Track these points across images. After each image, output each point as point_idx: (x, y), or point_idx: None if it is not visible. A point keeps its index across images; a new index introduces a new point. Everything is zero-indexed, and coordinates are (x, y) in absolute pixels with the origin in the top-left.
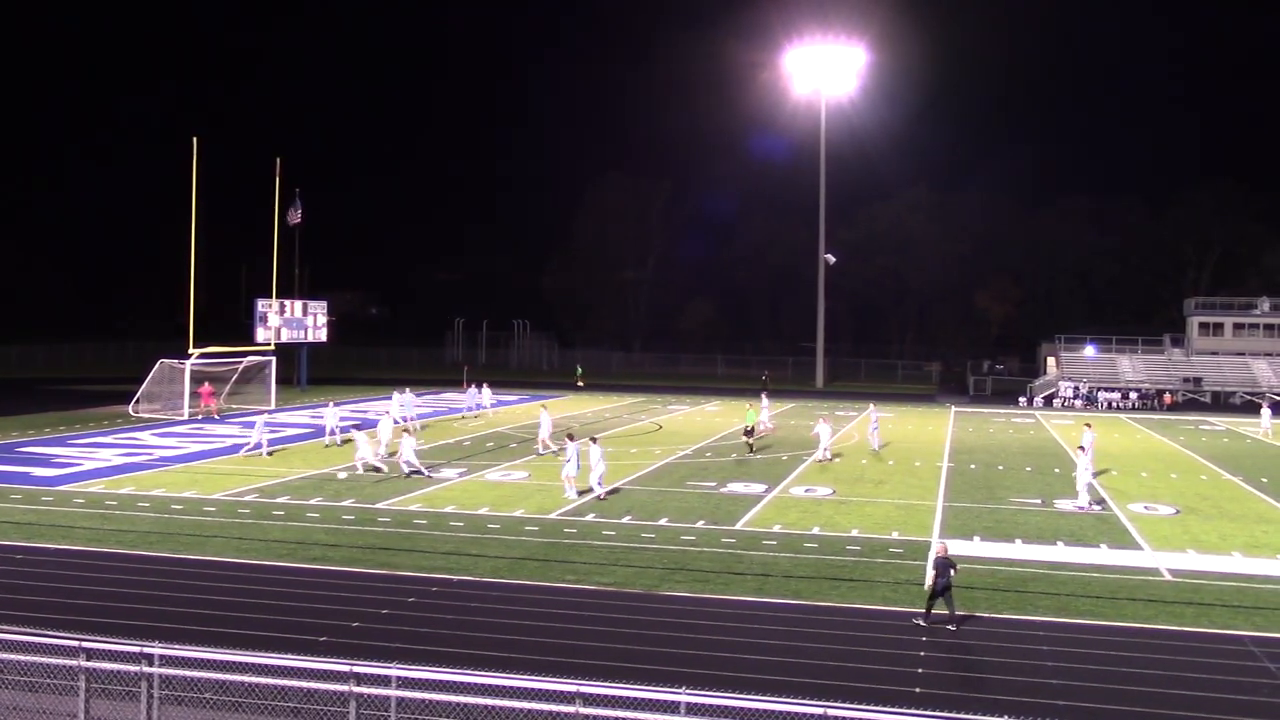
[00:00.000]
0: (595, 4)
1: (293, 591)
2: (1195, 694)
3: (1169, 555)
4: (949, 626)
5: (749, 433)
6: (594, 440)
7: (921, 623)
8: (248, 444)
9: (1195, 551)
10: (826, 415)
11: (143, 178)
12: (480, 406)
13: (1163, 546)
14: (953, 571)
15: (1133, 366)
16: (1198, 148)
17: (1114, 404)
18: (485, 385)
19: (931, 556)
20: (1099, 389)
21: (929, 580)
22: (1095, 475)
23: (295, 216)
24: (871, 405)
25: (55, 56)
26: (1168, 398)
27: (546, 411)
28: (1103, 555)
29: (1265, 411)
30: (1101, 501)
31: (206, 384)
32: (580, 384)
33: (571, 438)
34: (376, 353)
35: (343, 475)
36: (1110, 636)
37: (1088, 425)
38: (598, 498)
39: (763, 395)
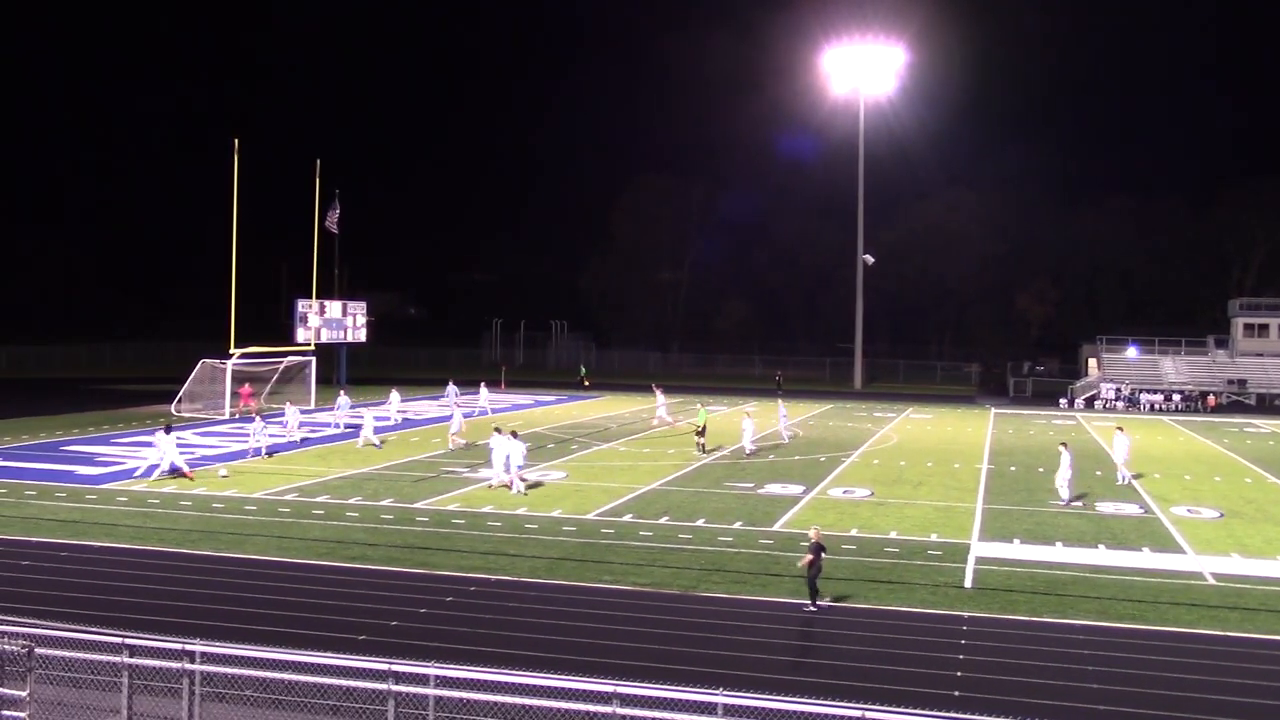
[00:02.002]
0: (634, 4)
1: (332, 590)
2: (1238, 700)
3: (1212, 559)
4: (809, 606)
5: (700, 432)
6: (498, 431)
7: (813, 608)
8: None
9: (1239, 555)
10: (752, 410)
11: (185, 178)
12: (473, 412)
13: (1206, 550)
14: (823, 555)
15: (1175, 368)
16: (1241, 145)
17: (1156, 406)
18: (484, 385)
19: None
20: (1141, 390)
21: (803, 562)
22: (1136, 477)
23: (333, 221)
24: (780, 402)
25: (99, 58)
26: (1211, 399)
27: (459, 408)
28: (1145, 559)
29: None
30: (1081, 497)
31: (247, 384)
32: (585, 383)
33: (499, 431)
34: (415, 353)
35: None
36: (1152, 641)
37: (1119, 428)
38: (506, 486)
39: (657, 390)
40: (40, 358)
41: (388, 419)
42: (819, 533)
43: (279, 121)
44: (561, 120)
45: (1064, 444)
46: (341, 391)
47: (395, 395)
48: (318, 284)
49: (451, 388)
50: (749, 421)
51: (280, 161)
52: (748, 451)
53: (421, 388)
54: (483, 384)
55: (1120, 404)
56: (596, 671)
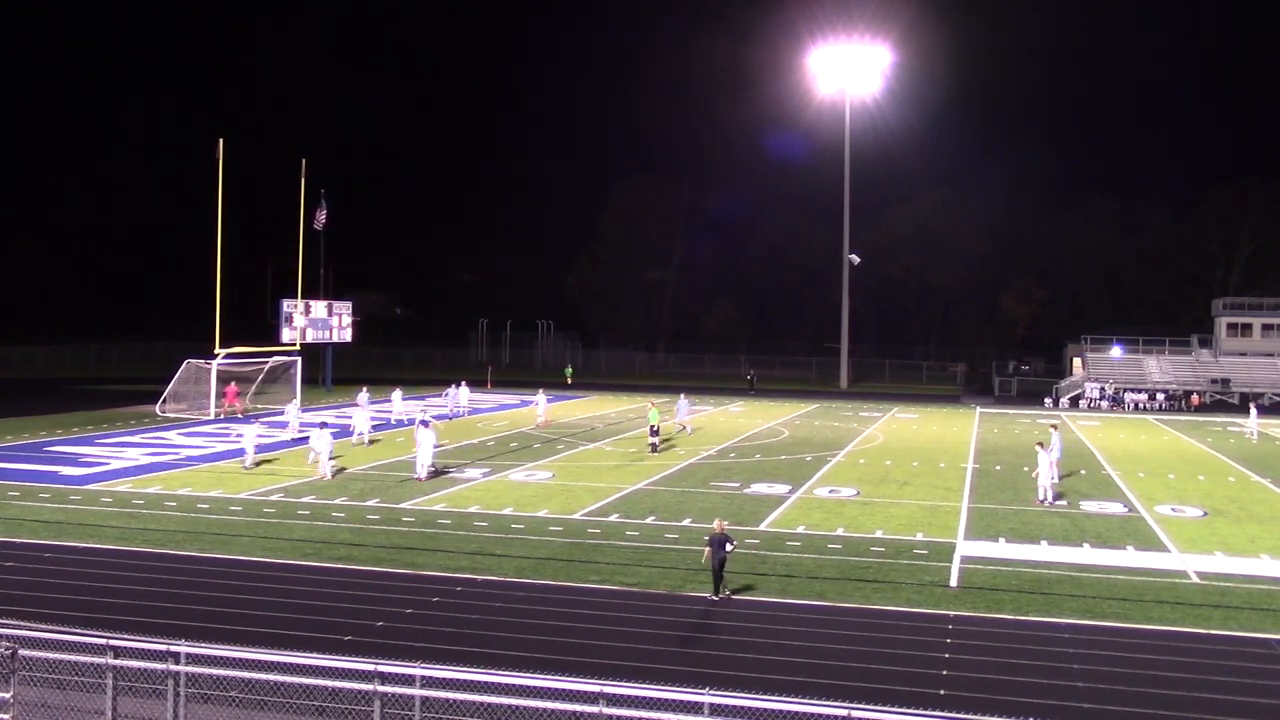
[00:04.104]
0: (621, 4)
1: (318, 590)
2: (1222, 698)
3: (1196, 558)
4: (720, 595)
5: (654, 432)
6: (425, 424)
7: (718, 595)
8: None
9: (1223, 554)
10: (655, 403)
11: (170, 178)
12: (457, 412)
13: (1190, 549)
14: (729, 547)
15: (1160, 367)
16: (1225, 146)
17: (1141, 405)
18: (463, 384)
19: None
20: (1125, 390)
21: (705, 556)
22: (1064, 476)
23: (321, 219)
24: (682, 395)
25: (83, 58)
26: (1195, 399)
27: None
28: (1129, 557)
29: (1253, 411)
30: (1061, 496)
31: (233, 384)
32: (569, 382)
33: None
34: (401, 353)
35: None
36: (1137, 639)
37: (1054, 426)
38: (417, 478)
39: (540, 392)
40: (24, 358)
41: (386, 418)
42: (723, 525)
43: (265, 121)
44: (549, 120)
45: (1040, 444)
46: (364, 389)
47: (397, 394)
48: (303, 284)
49: (453, 390)
50: (653, 411)
51: (267, 161)
52: (684, 428)
53: (409, 388)
54: (462, 383)
55: (1105, 403)
56: (583, 671)
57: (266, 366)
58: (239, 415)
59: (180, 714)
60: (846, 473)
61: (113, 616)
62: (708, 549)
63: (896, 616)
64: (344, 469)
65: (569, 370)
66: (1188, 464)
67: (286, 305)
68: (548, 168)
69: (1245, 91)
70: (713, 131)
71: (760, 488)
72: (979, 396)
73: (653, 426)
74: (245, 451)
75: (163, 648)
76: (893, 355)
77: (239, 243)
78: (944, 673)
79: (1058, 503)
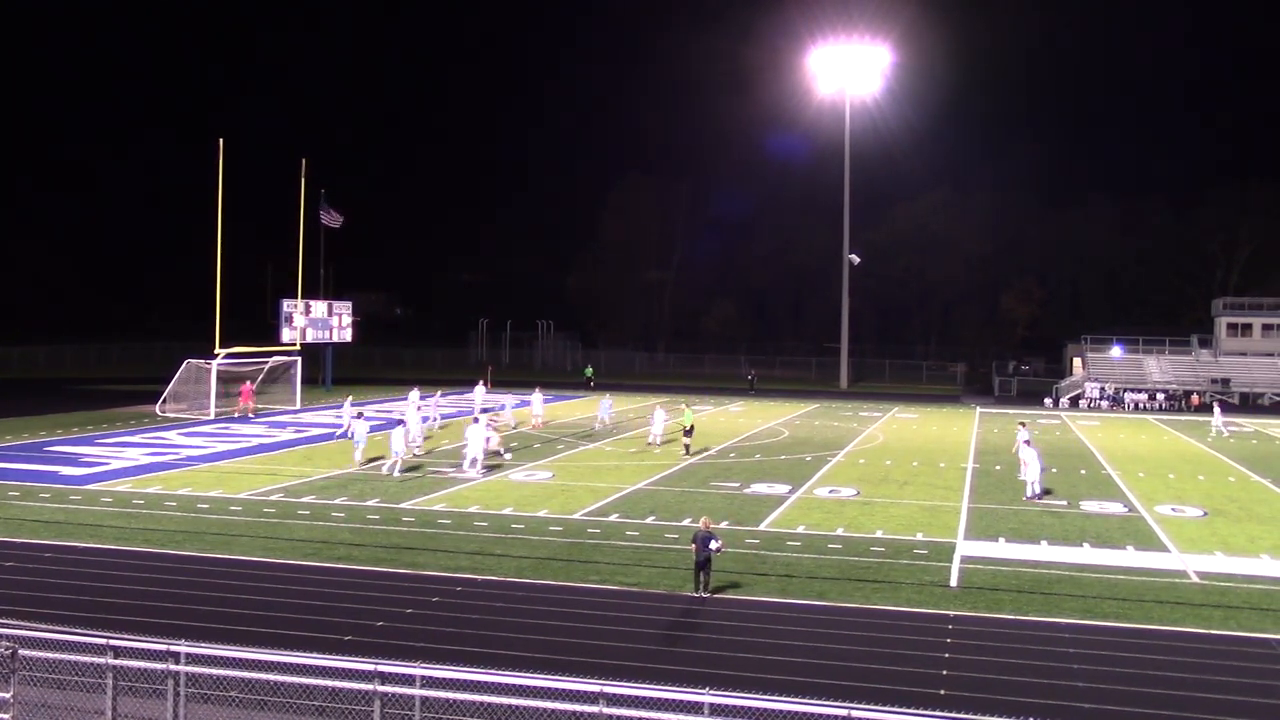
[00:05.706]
0: (621, 3)
1: (318, 590)
2: (1222, 698)
3: (1196, 557)
4: (701, 594)
5: (688, 433)
6: (475, 420)
7: (699, 594)
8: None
9: (1223, 554)
10: (663, 404)
11: (170, 178)
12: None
13: (1190, 549)
14: (713, 544)
15: (1160, 367)
16: (1225, 146)
17: (1141, 405)
18: (480, 385)
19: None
20: (1125, 390)
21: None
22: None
23: (335, 218)
24: (606, 395)
25: (83, 57)
26: (1195, 399)
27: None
28: (1129, 557)
29: (1216, 409)
30: (1049, 491)
31: (248, 383)
32: (591, 384)
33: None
34: (401, 353)
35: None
36: (1137, 639)
37: (1022, 424)
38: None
39: (537, 390)
40: (24, 358)
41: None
42: (708, 523)
43: (265, 121)
44: (549, 120)
45: (1027, 441)
46: (350, 399)
47: (415, 394)
48: (303, 284)
49: (479, 388)
50: (660, 412)
51: (267, 161)
52: (654, 440)
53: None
54: (480, 383)
55: (1105, 403)
56: (583, 671)
57: (266, 366)
58: (249, 415)
59: (180, 714)
60: (846, 473)
61: (113, 616)
62: (693, 545)
63: (896, 616)
64: (376, 459)
65: (589, 370)
66: (1188, 464)
67: (286, 305)
68: (548, 167)
69: (1246, 91)
70: (713, 131)
71: (760, 488)
72: (979, 396)
73: (687, 428)
74: (359, 442)
75: (163, 648)
76: (893, 355)
77: (239, 243)
78: (944, 673)
79: (1046, 499)
